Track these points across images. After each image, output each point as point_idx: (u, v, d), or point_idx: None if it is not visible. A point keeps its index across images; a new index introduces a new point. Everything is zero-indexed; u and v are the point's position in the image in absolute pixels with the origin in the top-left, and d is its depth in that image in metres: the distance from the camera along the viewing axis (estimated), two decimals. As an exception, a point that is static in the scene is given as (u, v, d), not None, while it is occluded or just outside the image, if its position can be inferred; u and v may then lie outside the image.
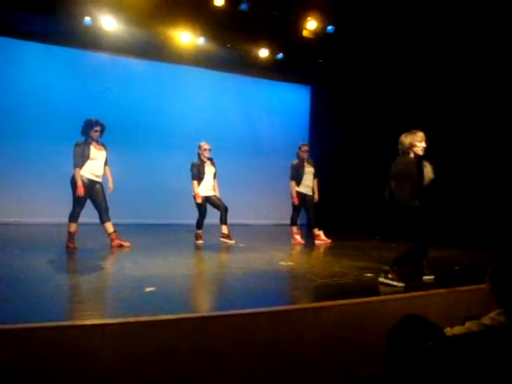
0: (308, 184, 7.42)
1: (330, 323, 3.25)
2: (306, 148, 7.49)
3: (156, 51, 9.06)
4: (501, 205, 6.97)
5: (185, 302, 3.54)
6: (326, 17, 8.30)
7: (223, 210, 6.75)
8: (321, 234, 7.41)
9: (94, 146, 5.89)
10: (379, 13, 7.67)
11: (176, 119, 9.76)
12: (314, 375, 2.91)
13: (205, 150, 6.81)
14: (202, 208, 6.75)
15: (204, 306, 3.30)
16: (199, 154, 6.83)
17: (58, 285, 3.87)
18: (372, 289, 4.12)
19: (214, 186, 6.90)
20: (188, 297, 3.71)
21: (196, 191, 6.69)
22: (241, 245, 6.44)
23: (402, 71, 8.40)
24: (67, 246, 5.74)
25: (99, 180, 5.92)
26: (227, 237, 6.73)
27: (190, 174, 6.73)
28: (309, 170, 7.44)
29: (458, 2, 7.00)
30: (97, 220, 5.94)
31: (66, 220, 5.82)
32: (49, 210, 8.47)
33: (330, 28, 8.44)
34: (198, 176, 6.72)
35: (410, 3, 7.33)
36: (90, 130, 5.85)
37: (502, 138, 7.04)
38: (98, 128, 5.89)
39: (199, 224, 6.82)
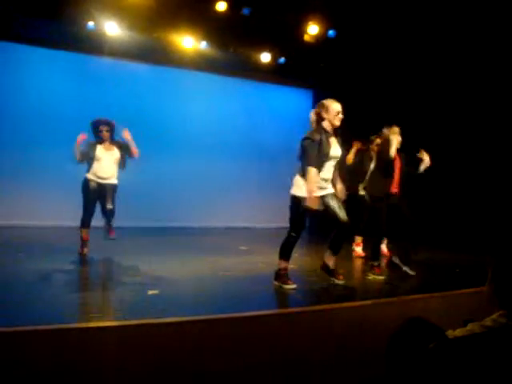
0: None
1: (332, 325, 3.26)
2: None
3: (158, 56, 9.08)
4: (489, 208, 6.98)
5: (188, 304, 3.55)
6: (327, 21, 8.33)
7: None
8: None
9: (104, 146, 5.59)
10: (380, 17, 7.70)
11: (178, 123, 9.77)
12: (316, 377, 2.92)
13: (337, 113, 4.24)
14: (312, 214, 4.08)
15: (207, 309, 3.31)
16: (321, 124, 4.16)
17: (60, 288, 3.89)
18: (374, 291, 4.13)
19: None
20: (191, 299, 3.71)
21: (310, 187, 3.87)
22: (243, 248, 6.44)
23: (403, 75, 8.42)
24: (79, 252, 5.48)
25: (106, 182, 5.54)
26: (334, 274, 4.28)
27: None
28: None
29: (460, 4, 7.03)
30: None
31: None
32: (53, 213, 8.47)
33: (331, 32, 8.45)
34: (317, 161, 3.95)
35: (410, 7, 7.36)
36: (95, 132, 5.60)
37: (495, 139, 7.08)
38: (103, 128, 5.55)
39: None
